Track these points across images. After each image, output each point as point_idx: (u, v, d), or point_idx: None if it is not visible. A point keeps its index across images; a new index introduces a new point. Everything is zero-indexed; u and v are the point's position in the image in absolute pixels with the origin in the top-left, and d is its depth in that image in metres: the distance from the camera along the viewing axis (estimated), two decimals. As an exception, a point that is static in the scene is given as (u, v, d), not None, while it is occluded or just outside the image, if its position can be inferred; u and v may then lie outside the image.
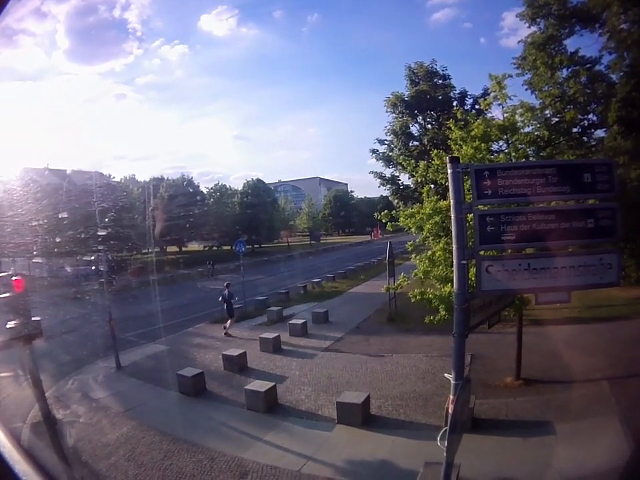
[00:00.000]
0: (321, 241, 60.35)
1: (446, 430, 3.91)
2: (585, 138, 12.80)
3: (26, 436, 6.65)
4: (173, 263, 34.81)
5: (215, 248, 45.95)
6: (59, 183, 28.45)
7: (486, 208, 3.94)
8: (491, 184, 3.59)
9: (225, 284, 14.71)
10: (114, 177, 41.97)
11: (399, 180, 16.62)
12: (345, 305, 16.84)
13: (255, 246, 47.87)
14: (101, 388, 9.76)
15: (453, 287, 7.26)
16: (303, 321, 13.22)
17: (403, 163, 9.44)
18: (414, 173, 8.39)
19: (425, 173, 7.99)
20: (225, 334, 13.41)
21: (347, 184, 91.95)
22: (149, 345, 12.89)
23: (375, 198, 76.89)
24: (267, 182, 57.77)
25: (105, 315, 11.55)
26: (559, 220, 3.83)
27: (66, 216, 24.76)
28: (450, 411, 3.86)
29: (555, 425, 6.42)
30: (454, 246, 3.61)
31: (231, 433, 7.31)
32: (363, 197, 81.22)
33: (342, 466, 6.16)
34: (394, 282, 13.42)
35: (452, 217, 3.59)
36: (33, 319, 6.53)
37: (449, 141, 8.54)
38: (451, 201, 3.61)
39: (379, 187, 17.00)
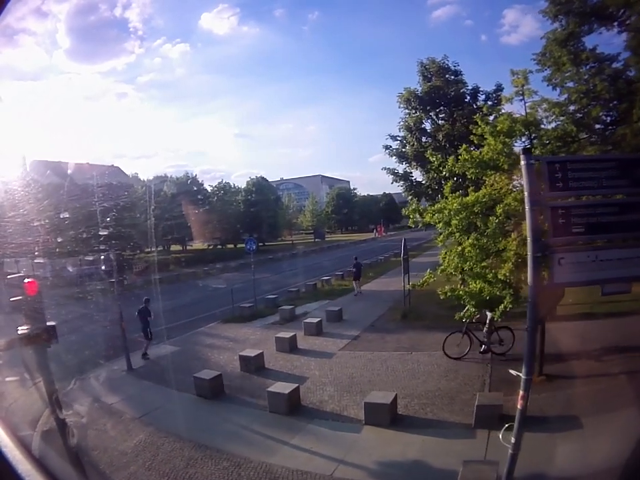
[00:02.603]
0: (325, 239, 60.17)
1: (510, 425, 4.09)
2: (607, 134, 12.60)
3: (37, 444, 6.32)
4: (177, 262, 34.57)
5: (218, 246, 45.76)
6: (61, 180, 28.00)
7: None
8: (561, 176, 3.53)
9: (354, 257, 19.25)
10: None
11: (412, 177, 16.41)
12: (356, 302, 16.64)
13: (259, 244, 47.64)
14: (113, 392, 9.35)
15: (483, 282, 7.22)
16: (318, 319, 12.95)
17: (430, 157, 9.32)
18: (441, 168, 8.23)
19: (452, 168, 7.80)
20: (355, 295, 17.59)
21: (349, 181, 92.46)
22: (160, 345, 12.49)
23: (378, 195, 77.25)
24: (269, 180, 57.71)
25: (113, 314, 11.28)
26: (623, 212, 3.80)
27: (68, 215, 24.44)
28: (519, 406, 3.98)
29: (581, 419, 6.29)
30: (528, 239, 3.47)
31: (254, 437, 7.04)
32: (365, 194, 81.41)
33: (374, 468, 5.98)
34: (408, 279, 13.36)
35: (526, 209, 3.50)
36: (47, 323, 6.22)
37: (471, 135, 8.41)
38: (525, 193, 3.54)
39: (391, 183, 17.00)
